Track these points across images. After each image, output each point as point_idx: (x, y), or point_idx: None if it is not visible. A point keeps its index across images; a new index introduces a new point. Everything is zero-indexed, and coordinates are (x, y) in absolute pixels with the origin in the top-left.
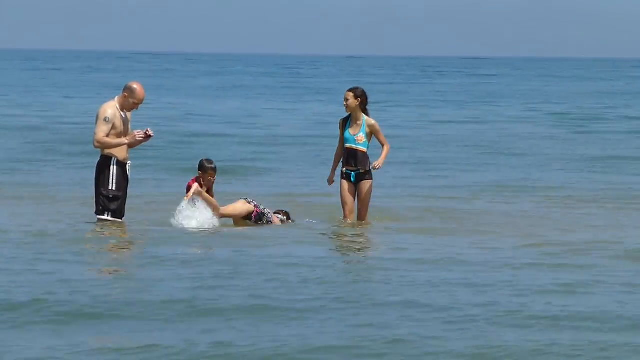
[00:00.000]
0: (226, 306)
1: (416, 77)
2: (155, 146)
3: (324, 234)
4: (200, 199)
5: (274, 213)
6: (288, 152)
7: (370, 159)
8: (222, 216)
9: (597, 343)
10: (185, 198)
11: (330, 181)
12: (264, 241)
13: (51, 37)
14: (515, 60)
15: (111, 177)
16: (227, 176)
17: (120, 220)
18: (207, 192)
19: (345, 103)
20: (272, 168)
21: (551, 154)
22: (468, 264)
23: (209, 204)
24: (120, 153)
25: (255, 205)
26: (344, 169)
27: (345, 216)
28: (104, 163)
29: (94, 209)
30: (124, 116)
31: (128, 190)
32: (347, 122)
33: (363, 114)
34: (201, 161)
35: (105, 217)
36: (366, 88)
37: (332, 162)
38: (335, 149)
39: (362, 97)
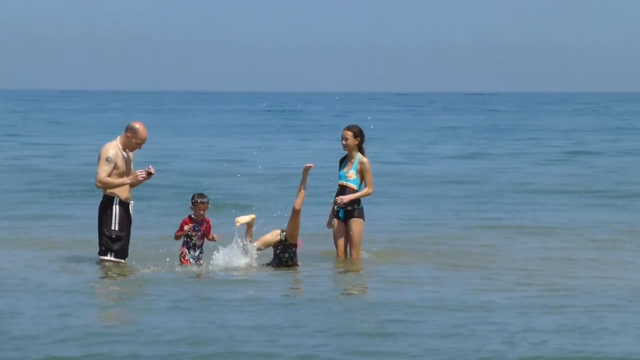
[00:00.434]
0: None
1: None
2: (180, 187)
3: (314, 276)
4: (246, 240)
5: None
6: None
7: (362, 202)
8: (258, 248)
9: None
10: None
11: (329, 225)
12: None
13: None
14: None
15: (114, 217)
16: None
17: (123, 261)
18: (201, 224)
19: (344, 142)
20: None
21: None
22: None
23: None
24: (122, 193)
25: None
26: (335, 206)
27: (337, 255)
28: (107, 203)
29: (97, 250)
30: (126, 156)
31: (131, 230)
32: (344, 160)
33: (358, 152)
34: (193, 196)
35: (108, 257)
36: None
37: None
38: (335, 192)
39: (361, 135)
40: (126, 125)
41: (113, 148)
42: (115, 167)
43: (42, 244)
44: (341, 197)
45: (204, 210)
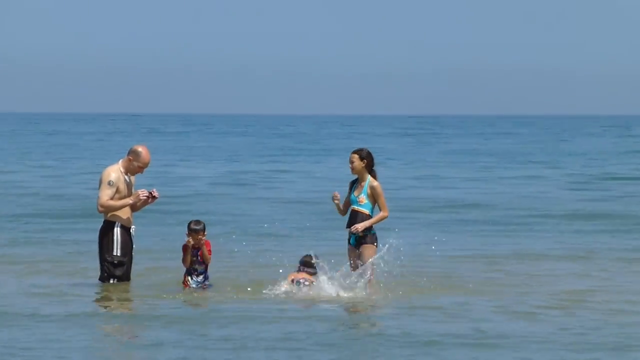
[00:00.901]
0: None
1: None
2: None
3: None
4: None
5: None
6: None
7: (375, 227)
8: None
9: None
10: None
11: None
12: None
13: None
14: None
15: (115, 242)
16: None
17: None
18: (198, 249)
19: (350, 165)
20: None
21: None
22: None
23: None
24: (123, 216)
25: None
26: (348, 231)
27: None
28: (107, 228)
29: (99, 275)
30: (127, 180)
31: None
32: (354, 183)
33: (369, 175)
34: (189, 223)
35: (110, 283)
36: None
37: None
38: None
39: (368, 159)
40: (129, 148)
41: (115, 172)
42: (117, 191)
43: (37, 268)
44: (356, 226)
45: (201, 236)
